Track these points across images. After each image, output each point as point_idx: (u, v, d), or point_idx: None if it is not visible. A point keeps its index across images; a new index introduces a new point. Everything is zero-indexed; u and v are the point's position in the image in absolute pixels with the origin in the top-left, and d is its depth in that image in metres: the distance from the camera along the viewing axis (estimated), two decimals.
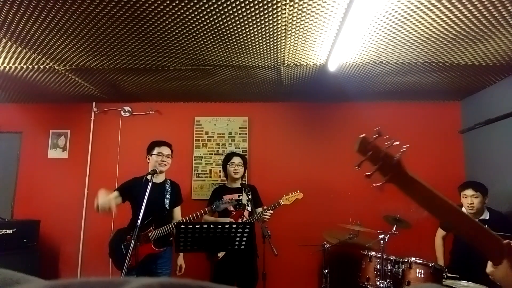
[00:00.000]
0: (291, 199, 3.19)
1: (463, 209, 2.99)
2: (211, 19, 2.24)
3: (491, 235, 0.89)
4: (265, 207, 3.13)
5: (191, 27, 2.34)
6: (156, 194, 2.85)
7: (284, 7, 2.09)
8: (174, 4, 2.07)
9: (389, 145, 0.87)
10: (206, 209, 2.95)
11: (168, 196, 3.00)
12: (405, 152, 0.86)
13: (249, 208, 3.19)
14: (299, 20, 2.25)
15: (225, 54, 2.78)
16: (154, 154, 2.98)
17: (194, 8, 2.12)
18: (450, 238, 3.23)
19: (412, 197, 0.88)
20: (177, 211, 3.12)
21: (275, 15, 2.18)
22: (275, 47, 2.64)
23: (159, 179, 2.98)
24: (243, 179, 3.57)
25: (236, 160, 3.34)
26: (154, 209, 2.77)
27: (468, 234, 0.91)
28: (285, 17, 2.21)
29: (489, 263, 0.94)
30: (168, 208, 2.98)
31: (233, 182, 3.36)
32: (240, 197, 3.26)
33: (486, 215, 2.92)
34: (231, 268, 3.06)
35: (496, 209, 3.05)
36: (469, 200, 2.88)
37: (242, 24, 2.30)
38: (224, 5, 2.08)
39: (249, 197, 3.02)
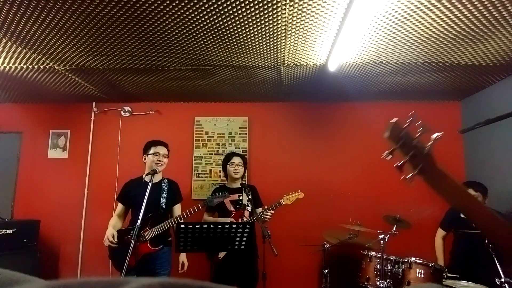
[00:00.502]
0: (292, 199, 3.18)
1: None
2: (211, 19, 2.24)
3: None
4: (266, 207, 3.13)
5: (191, 27, 2.35)
6: (152, 194, 2.84)
7: (284, 7, 2.09)
8: (174, 4, 2.07)
9: (421, 133, 0.78)
10: (199, 205, 2.89)
11: (164, 195, 2.99)
12: (437, 141, 0.77)
13: (249, 208, 3.18)
14: (299, 20, 2.25)
15: (225, 54, 2.78)
16: (150, 154, 2.99)
17: (194, 8, 2.12)
18: (450, 238, 3.23)
19: (440, 192, 0.81)
20: (177, 209, 3.11)
21: (275, 15, 2.18)
22: (275, 47, 2.64)
23: (156, 178, 2.95)
24: (243, 179, 3.57)
25: (236, 160, 3.33)
26: (150, 208, 2.77)
27: (499, 237, 0.84)
28: (285, 17, 2.21)
29: None
30: (164, 207, 2.97)
31: (233, 182, 3.35)
32: (240, 197, 3.26)
33: None
34: (231, 268, 3.06)
35: (496, 209, 3.06)
36: None
37: (242, 24, 2.30)
38: (224, 5, 2.08)
39: (249, 197, 3.01)
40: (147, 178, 2.90)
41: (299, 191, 3.22)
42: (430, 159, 0.78)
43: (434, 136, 0.78)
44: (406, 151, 0.78)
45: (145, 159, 3.04)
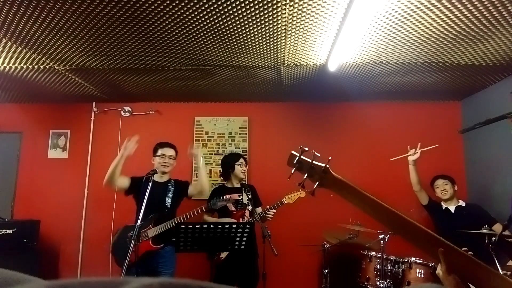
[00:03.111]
0: (294, 197, 3.17)
1: (442, 203, 3.30)
2: (211, 19, 2.24)
3: (430, 235, 0.96)
4: (268, 206, 3.13)
5: (191, 27, 2.34)
6: (158, 193, 2.92)
7: (284, 7, 2.09)
8: (174, 4, 2.07)
9: (313, 158, 1.05)
10: (203, 207, 2.95)
11: (170, 195, 3.03)
12: (331, 161, 1.04)
13: (249, 207, 3.19)
14: (299, 20, 2.25)
15: (225, 54, 2.78)
16: (157, 156, 3.06)
17: (194, 8, 2.12)
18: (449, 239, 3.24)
19: (346, 198, 1.04)
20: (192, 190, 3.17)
21: (275, 15, 2.18)
22: (275, 47, 2.64)
23: (163, 178, 3.07)
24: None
25: (243, 160, 3.39)
26: (154, 207, 2.83)
27: (406, 235, 0.99)
28: (285, 17, 2.21)
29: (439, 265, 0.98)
30: (169, 207, 3.01)
31: (233, 182, 3.36)
32: (241, 197, 3.26)
33: (462, 203, 3.25)
34: (232, 269, 3.06)
35: (496, 209, 3.12)
36: (441, 188, 3.26)
37: (242, 24, 2.30)
38: (224, 5, 2.08)
39: (249, 196, 3.02)
40: (155, 178, 2.96)
41: (300, 189, 3.21)
42: (328, 174, 1.02)
43: (329, 157, 1.04)
44: (303, 172, 1.04)
45: (153, 160, 3.10)
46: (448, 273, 0.92)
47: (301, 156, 1.05)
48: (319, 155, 1.06)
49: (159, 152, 3.06)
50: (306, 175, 1.05)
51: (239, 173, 3.32)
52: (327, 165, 1.04)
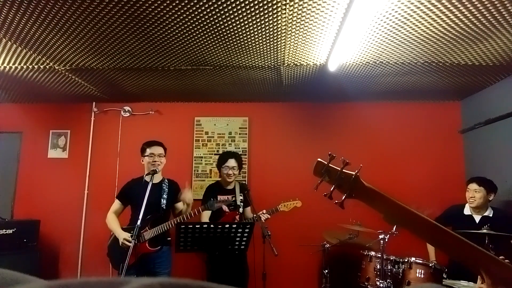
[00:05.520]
0: (290, 206, 3.22)
1: (467, 206, 3.03)
2: (211, 19, 2.24)
3: (470, 246, 0.88)
4: (264, 211, 3.14)
5: (191, 27, 2.35)
6: (153, 194, 2.84)
7: (284, 7, 2.09)
8: (174, 4, 2.07)
9: (344, 165, 0.94)
10: (199, 208, 2.91)
11: (164, 196, 2.99)
12: (361, 169, 0.94)
13: (241, 209, 3.20)
14: (299, 20, 2.25)
15: (225, 54, 2.78)
16: (146, 156, 2.98)
17: (194, 8, 2.12)
18: None
19: (375, 208, 0.93)
20: (180, 205, 3.08)
21: (275, 15, 2.19)
22: (275, 47, 2.64)
23: (156, 179, 2.94)
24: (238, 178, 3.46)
25: (231, 163, 3.20)
26: (150, 209, 2.78)
27: (445, 247, 0.93)
28: (285, 17, 2.21)
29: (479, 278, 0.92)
30: (164, 208, 2.97)
31: (227, 182, 3.28)
32: (234, 198, 3.19)
33: (489, 213, 2.94)
34: (222, 265, 3.01)
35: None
36: (470, 194, 2.94)
37: (242, 24, 2.30)
38: (224, 5, 2.08)
39: (241, 198, 3.02)
40: (147, 178, 2.91)
41: (297, 199, 3.27)
42: (358, 184, 0.92)
43: (360, 165, 0.95)
44: (332, 182, 0.94)
45: (142, 160, 3.05)
46: (495, 286, 0.84)
47: (330, 164, 0.94)
48: (349, 162, 0.94)
49: (148, 151, 2.97)
50: (334, 185, 0.94)
51: (224, 177, 3.21)
52: (357, 174, 0.93)
